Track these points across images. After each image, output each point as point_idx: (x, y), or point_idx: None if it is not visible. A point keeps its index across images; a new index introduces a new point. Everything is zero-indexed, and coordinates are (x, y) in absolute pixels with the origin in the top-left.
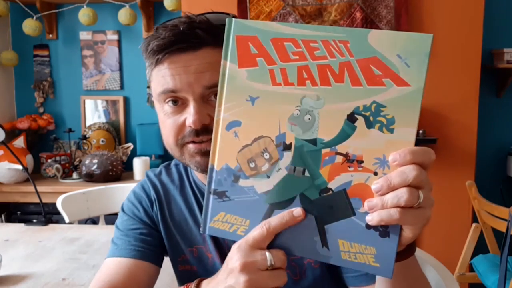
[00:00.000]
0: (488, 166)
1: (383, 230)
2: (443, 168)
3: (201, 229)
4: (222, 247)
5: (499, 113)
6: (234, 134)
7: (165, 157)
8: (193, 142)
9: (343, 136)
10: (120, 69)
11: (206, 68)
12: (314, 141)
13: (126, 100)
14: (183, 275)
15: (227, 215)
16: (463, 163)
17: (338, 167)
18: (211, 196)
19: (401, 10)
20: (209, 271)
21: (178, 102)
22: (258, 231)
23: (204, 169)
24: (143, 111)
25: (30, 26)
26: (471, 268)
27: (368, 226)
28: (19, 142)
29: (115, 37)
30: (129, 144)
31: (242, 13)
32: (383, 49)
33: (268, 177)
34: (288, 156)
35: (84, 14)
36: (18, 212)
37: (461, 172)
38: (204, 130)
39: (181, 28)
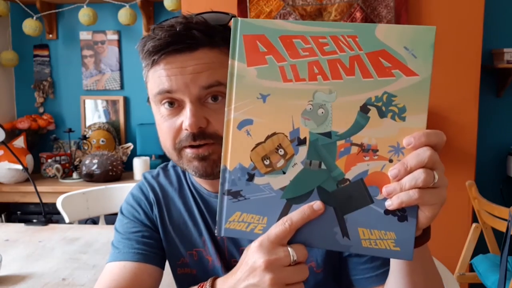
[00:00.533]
0: (488, 166)
1: (401, 214)
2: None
3: (216, 232)
4: (222, 250)
5: (499, 113)
6: (247, 133)
7: (165, 157)
8: (190, 146)
9: (357, 127)
10: (120, 69)
11: (203, 69)
12: (328, 134)
13: (126, 100)
14: (182, 279)
15: (243, 214)
16: (463, 163)
17: (354, 157)
18: (225, 197)
19: (401, 10)
20: (209, 275)
21: (174, 104)
22: (280, 227)
23: (202, 174)
24: (143, 111)
25: (30, 26)
26: (471, 268)
27: (387, 212)
28: (19, 142)
29: (115, 37)
30: (129, 144)
31: (242, 13)
32: (391, 42)
33: (284, 172)
34: (303, 150)
35: (84, 14)
36: (18, 212)
37: (461, 172)
38: (201, 134)
39: (177, 29)
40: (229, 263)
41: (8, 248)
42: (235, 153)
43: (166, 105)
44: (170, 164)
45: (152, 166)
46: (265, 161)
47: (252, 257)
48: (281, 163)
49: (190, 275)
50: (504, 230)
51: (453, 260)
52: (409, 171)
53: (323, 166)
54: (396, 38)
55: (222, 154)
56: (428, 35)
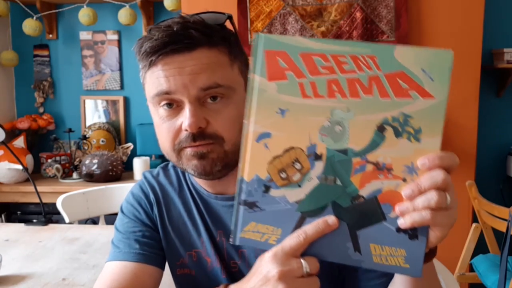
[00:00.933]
0: (488, 166)
1: (412, 232)
2: None
3: (231, 240)
4: (221, 251)
5: (499, 113)
6: (265, 146)
7: (165, 157)
8: (190, 147)
9: (373, 145)
10: (120, 69)
11: (202, 69)
12: (345, 151)
13: (126, 100)
14: (181, 279)
15: (258, 224)
16: (463, 163)
17: (369, 175)
18: (241, 207)
19: (401, 10)
20: (208, 276)
21: (173, 105)
22: (295, 240)
23: (201, 173)
24: (143, 111)
25: (30, 26)
26: (471, 268)
27: (399, 230)
28: (19, 142)
29: (115, 37)
30: (129, 144)
31: (242, 13)
32: (409, 64)
33: (300, 186)
34: (319, 165)
35: (84, 14)
36: (18, 212)
37: (461, 172)
38: (200, 134)
39: (175, 29)
40: (228, 265)
41: (8, 248)
42: (253, 165)
43: (165, 106)
44: (171, 164)
45: (152, 166)
46: (281, 174)
47: (266, 267)
48: (297, 176)
49: (190, 276)
50: (504, 230)
51: (453, 260)
52: (422, 192)
53: (338, 182)
54: (414, 60)
55: (240, 165)
56: (445, 58)
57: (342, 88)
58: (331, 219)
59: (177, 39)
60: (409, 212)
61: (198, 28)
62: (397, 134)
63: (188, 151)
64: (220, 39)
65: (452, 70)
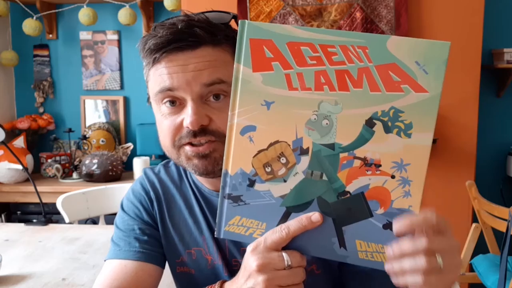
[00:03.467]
0: (488, 166)
1: None
2: (443, 168)
3: (215, 233)
4: (223, 249)
5: (499, 113)
6: (249, 139)
7: (165, 157)
8: (190, 144)
9: (361, 140)
10: (120, 69)
11: (205, 66)
12: (332, 146)
13: (126, 100)
14: (181, 277)
15: (243, 218)
16: (463, 163)
17: (356, 170)
18: (226, 201)
19: (401, 10)
20: (208, 274)
21: (176, 103)
22: (277, 234)
23: (202, 172)
24: (143, 111)
25: (30, 26)
26: (471, 268)
27: (385, 226)
28: (19, 142)
29: (115, 37)
30: (129, 144)
31: (242, 13)
32: (402, 55)
33: (285, 181)
34: (305, 160)
35: (84, 14)
36: (18, 212)
37: (461, 172)
38: (202, 131)
39: (179, 27)
40: (230, 263)
41: (8, 248)
42: (237, 158)
43: (167, 103)
44: (172, 161)
45: None
46: (266, 168)
47: (248, 261)
48: (282, 171)
49: (189, 274)
50: (504, 230)
51: None
52: (406, 256)
53: (324, 177)
54: (408, 51)
55: (224, 158)
56: (441, 50)
57: (331, 80)
58: (315, 216)
59: (181, 37)
60: (397, 274)
61: (202, 27)
62: (387, 129)
63: (188, 150)
64: (224, 38)
65: (447, 63)
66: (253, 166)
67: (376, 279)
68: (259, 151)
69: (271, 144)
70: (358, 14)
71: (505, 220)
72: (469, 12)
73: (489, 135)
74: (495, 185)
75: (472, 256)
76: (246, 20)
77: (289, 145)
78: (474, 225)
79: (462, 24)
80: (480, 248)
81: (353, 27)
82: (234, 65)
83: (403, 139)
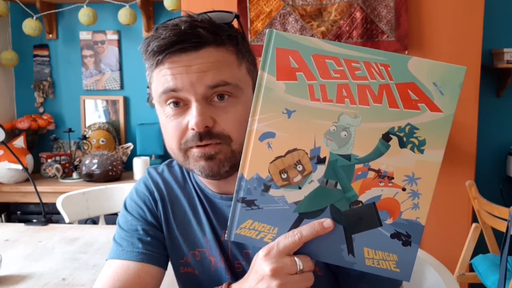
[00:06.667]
0: (488, 166)
1: (406, 240)
2: (443, 168)
3: (226, 236)
4: (226, 251)
5: (499, 113)
6: (267, 145)
7: (165, 157)
8: (196, 146)
9: (377, 153)
10: (120, 69)
11: (209, 68)
12: (348, 157)
13: (126, 100)
14: (184, 278)
15: (255, 222)
16: (463, 163)
17: (370, 182)
18: (239, 204)
19: (401, 10)
20: (211, 275)
21: (180, 104)
22: (290, 239)
23: (208, 174)
24: (143, 111)
25: (30, 26)
26: (471, 268)
27: (393, 236)
28: (19, 142)
29: (115, 37)
30: (129, 144)
31: (242, 13)
32: (421, 76)
33: (300, 188)
34: (321, 169)
35: (84, 14)
36: (18, 212)
37: (461, 172)
38: (207, 134)
39: (182, 28)
40: (232, 265)
41: (8, 248)
42: (254, 163)
43: (171, 105)
44: (175, 161)
45: None
46: (282, 175)
47: (260, 264)
48: (298, 178)
49: (193, 275)
50: (504, 230)
51: (453, 260)
52: None
53: (338, 186)
54: (427, 72)
55: (241, 162)
56: (458, 74)
57: (352, 94)
58: (327, 222)
59: (184, 38)
60: None
61: (205, 27)
62: (402, 144)
63: (195, 152)
64: (228, 38)
65: (462, 87)
66: (269, 172)
67: (367, 280)
68: (277, 158)
69: (289, 152)
70: (358, 14)
71: (505, 220)
72: (469, 12)
73: (489, 135)
74: (495, 185)
75: (472, 256)
76: (274, 30)
77: (306, 153)
78: (474, 225)
79: (462, 24)
80: (480, 248)
81: (353, 27)
82: (259, 72)
83: (416, 155)
